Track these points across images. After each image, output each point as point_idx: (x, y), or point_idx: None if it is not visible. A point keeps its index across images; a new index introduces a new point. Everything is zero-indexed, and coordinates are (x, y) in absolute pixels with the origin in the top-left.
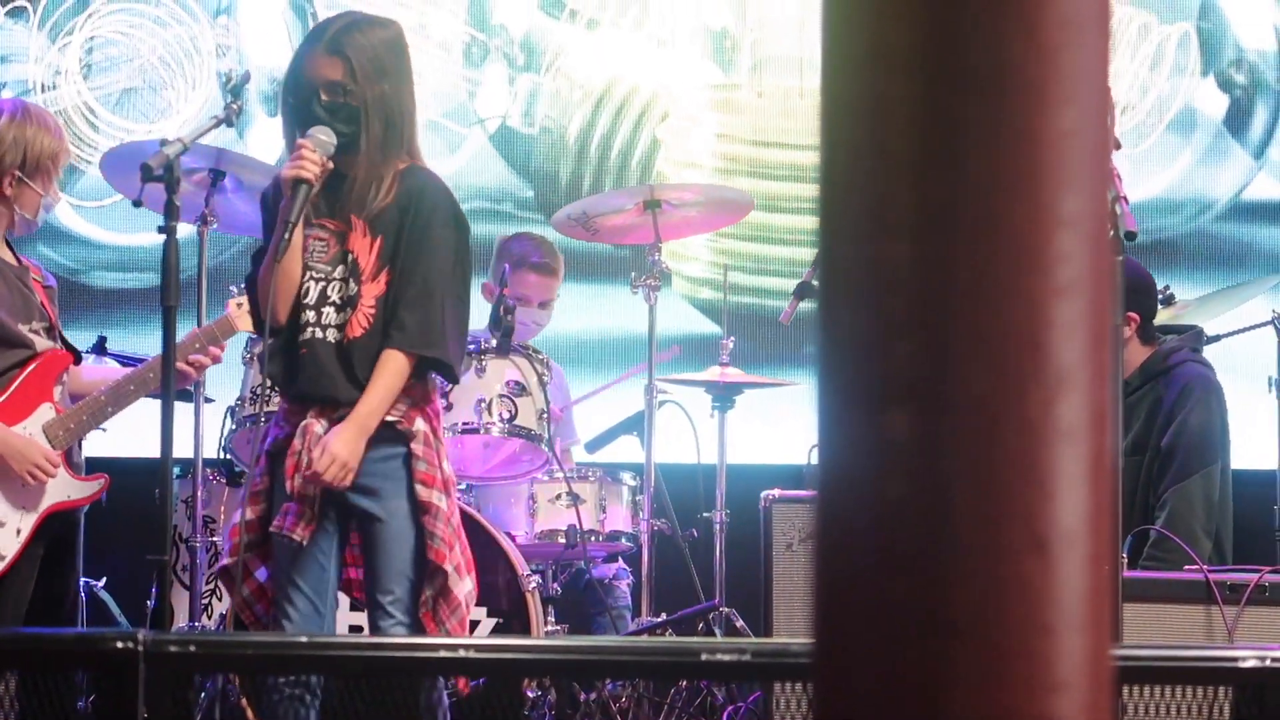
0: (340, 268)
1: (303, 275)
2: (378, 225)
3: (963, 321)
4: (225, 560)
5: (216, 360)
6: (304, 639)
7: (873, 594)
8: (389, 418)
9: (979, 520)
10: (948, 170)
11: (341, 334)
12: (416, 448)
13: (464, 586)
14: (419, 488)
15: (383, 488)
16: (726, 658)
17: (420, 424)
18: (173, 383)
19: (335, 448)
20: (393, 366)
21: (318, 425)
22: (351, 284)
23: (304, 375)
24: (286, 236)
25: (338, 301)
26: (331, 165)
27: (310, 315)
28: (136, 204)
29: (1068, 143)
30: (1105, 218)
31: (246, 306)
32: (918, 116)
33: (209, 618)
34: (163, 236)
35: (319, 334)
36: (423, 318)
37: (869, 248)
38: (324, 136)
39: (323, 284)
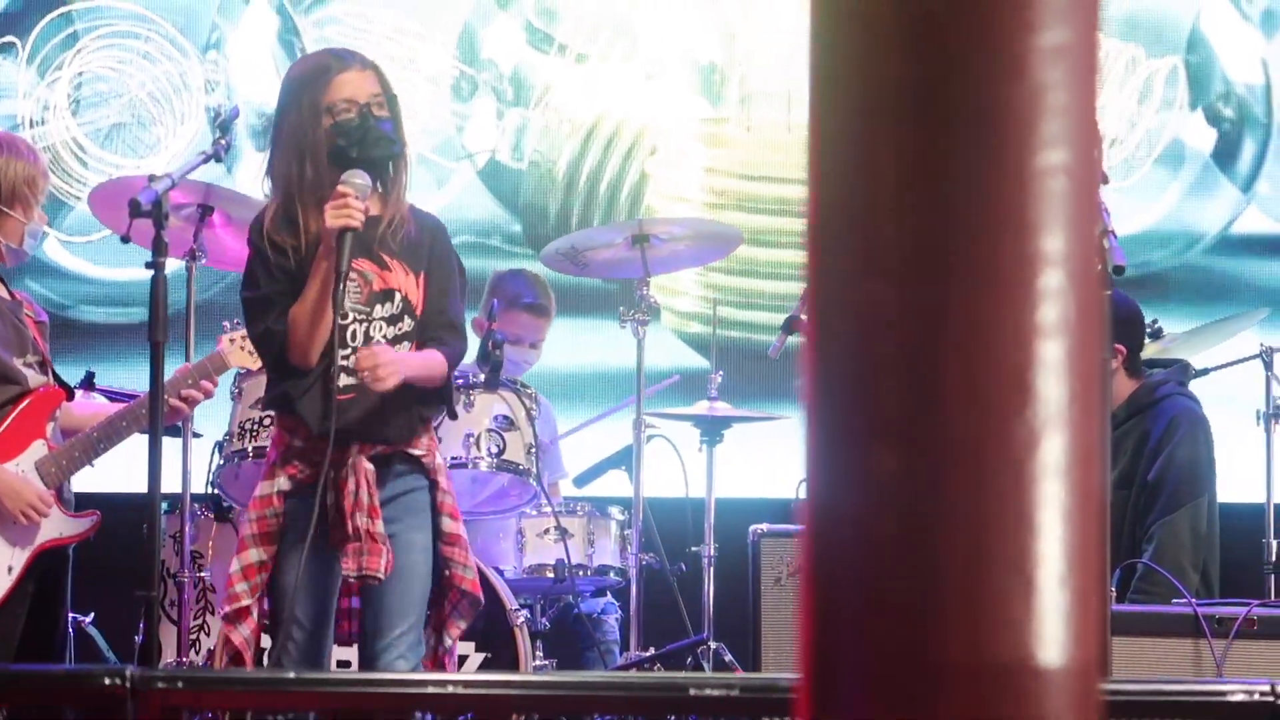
0: (382, 306)
1: (340, 318)
2: (414, 262)
3: (951, 361)
4: (242, 600)
5: (209, 395)
6: (291, 675)
7: (860, 633)
8: (414, 451)
9: (967, 559)
10: (935, 210)
11: None
12: (442, 480)
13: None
14: (446, 520)
15: (403, 518)
16: (715, 693)
17: (440, 459)
18: (160, 418)
19: (390, 357)
20: (438, 356)
21: (366, 463)
22: (406, 321)
23: (349, 415)
24: (342, 287)
25: (383, 342)
26: (370, 210)
27: (355, 359)
28: (124, 240)
29: (1056, 181)
30: (1093, 256)
31: (239, 342)
32: (905, 156)
33: (196, 653)
34: (151, 272)
35: (364, 376)
36: (455, 352)
37: (857, 287)
38: (361, 181)
39: (365, 324)
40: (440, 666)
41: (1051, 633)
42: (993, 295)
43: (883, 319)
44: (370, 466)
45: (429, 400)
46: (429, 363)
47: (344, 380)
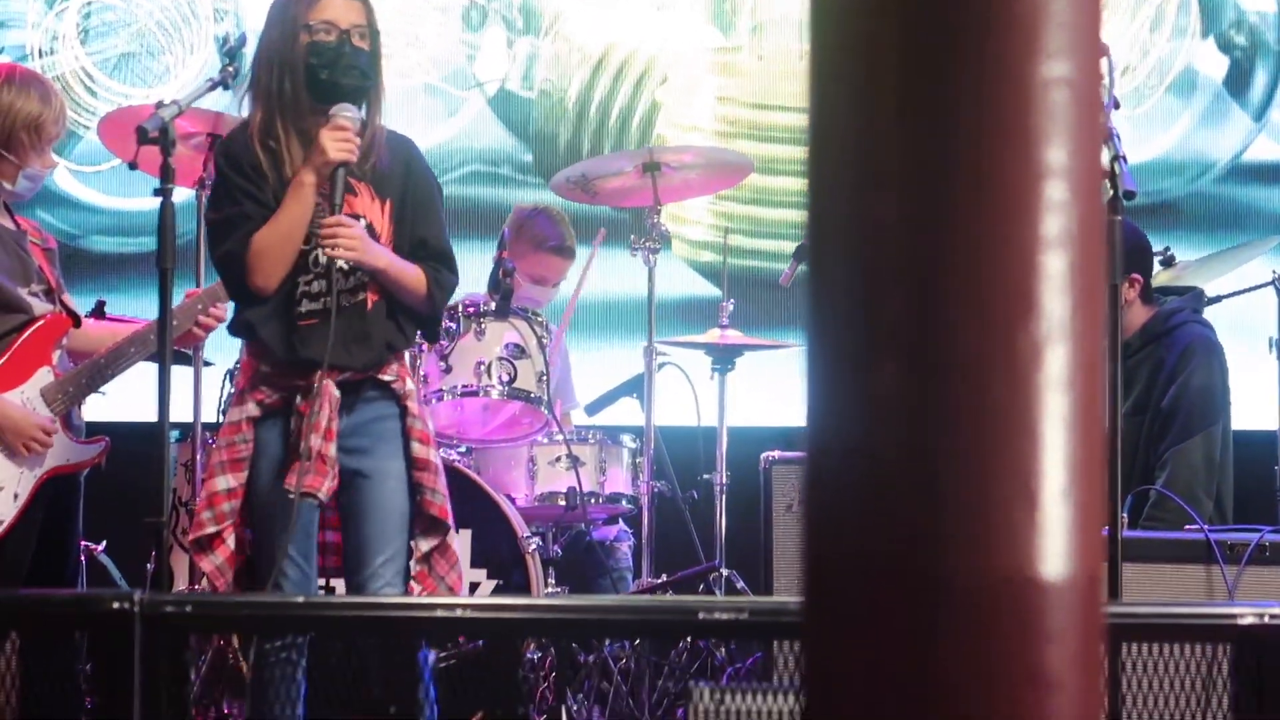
0: None
1: (304, 242)
2: (383, 189)
3: (952, 273)
4: (208, 528)
5: (221, 321)
6: (300, 599)
7: (861, 549)
8: (384, 377)
9: (968, 472)
10: (936, 120)
11: (359, 298)
12: (412, 406)
13: (457, 541)
14: (416, 445)
15: (376, 447)
16: (724, 616)
17: (410, 383)
18: (169, 345)
19: (359, 229)
20: (415, 269)
21: (332, 387)
22: None
23: (316, 343)
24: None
25: (345, 267)
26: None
27: (321, 284)
28: (132, 167)
29: (1059, 92)
30: (1097, 169)
31: None
32: (906, 63)
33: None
34: (159, 199)
35: (330, 301)
36: (441, 278)
37: (857, 201)
38: (352, 114)
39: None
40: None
41: (1054, 546)
42: (995, 207)
43: (883, 231)
44: (336, 393)
45: (396, 328)
46: (402, 267)
47: (306, 306)
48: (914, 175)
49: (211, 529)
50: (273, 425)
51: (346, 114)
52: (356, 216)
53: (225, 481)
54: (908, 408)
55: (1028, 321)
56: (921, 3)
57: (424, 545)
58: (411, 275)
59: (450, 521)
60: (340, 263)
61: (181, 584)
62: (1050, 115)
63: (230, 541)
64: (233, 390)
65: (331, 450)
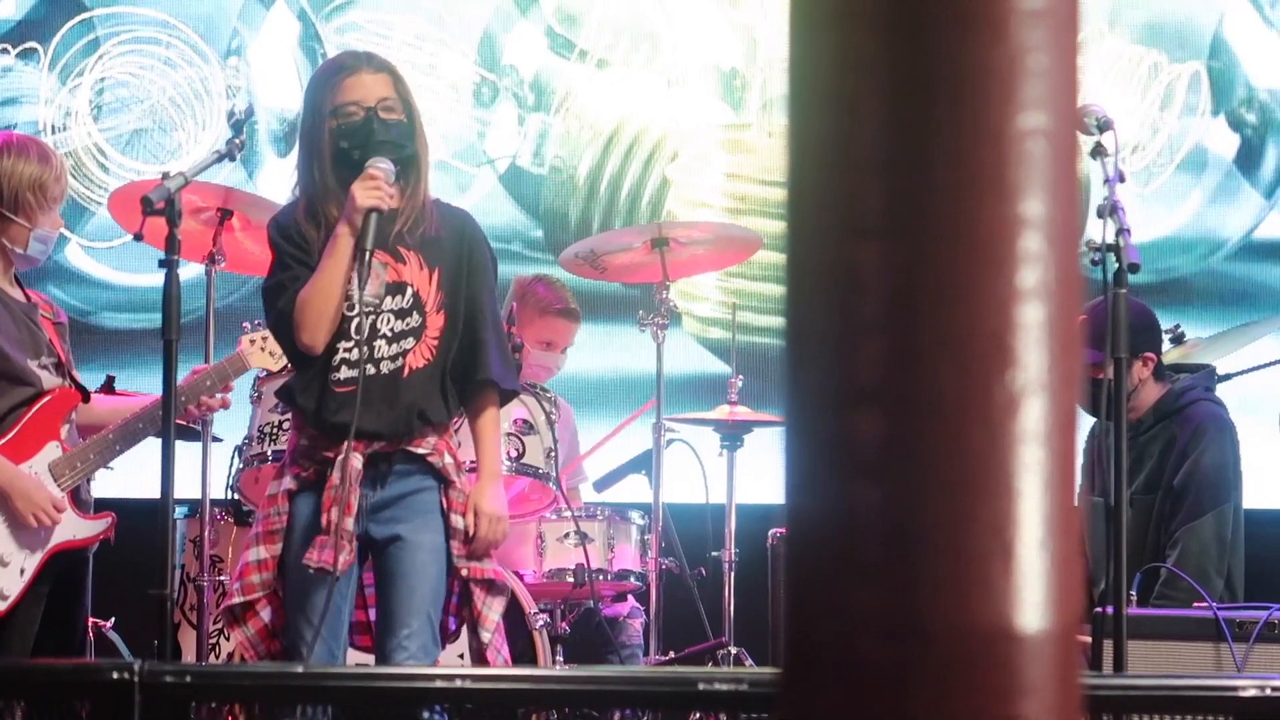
0: (392, 299)
1: (347, 309)
2: (432, 257)
3: (930, 323)
4: (234, 598)
5: (223, 407)
6: (299, 669)
7: (838, 600)
8: (419, 450)
9: (945, 524)
10: (915, 172)
11: (397, 365)
12: (455, 479)
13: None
14: (457, 518)
15: (410, 518)
16: (724, 687)
17: (449, 457)
18: (173, 417)
19: (492, 508)
20: (495, 405)
21: (356, 460)
22: (414, 316)
23: (346, 410)
24: (368, 262)
25: (389, 335)
26: (396, 196)
27: (358, 351)
28: (138, 238)
29: (1036, 144)
30: (1074, 220)
31: (260, 343)
32: (885, 117)
33: (216, 657)
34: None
35: (370, 369)
36: (504, 351)
37: (836, 249)
38: (386, 165)
39: (372, 317)
40: (484, 664)
41: (1030, 598)
42: (972, 258)
43: (862, 280)
44: (358, 465)
45: (438, 399)
46: (499, 430)
47: (344, 373)
48: (892, 226)
49: (239, 600)
50: (306, 499)
51: (379, 165)
52: (404, 285)
53: (258, 553)
54: (884, 455)
55: (1004, 373)
56: (900, 58)
57: (492, 616)
58: (497, 428)
59: (505, 579)
60: (384, 329)
61: (189, 659)
62: (1027, 167)
63: (265, 615)
64: (240, 462)
65: (349, 525)
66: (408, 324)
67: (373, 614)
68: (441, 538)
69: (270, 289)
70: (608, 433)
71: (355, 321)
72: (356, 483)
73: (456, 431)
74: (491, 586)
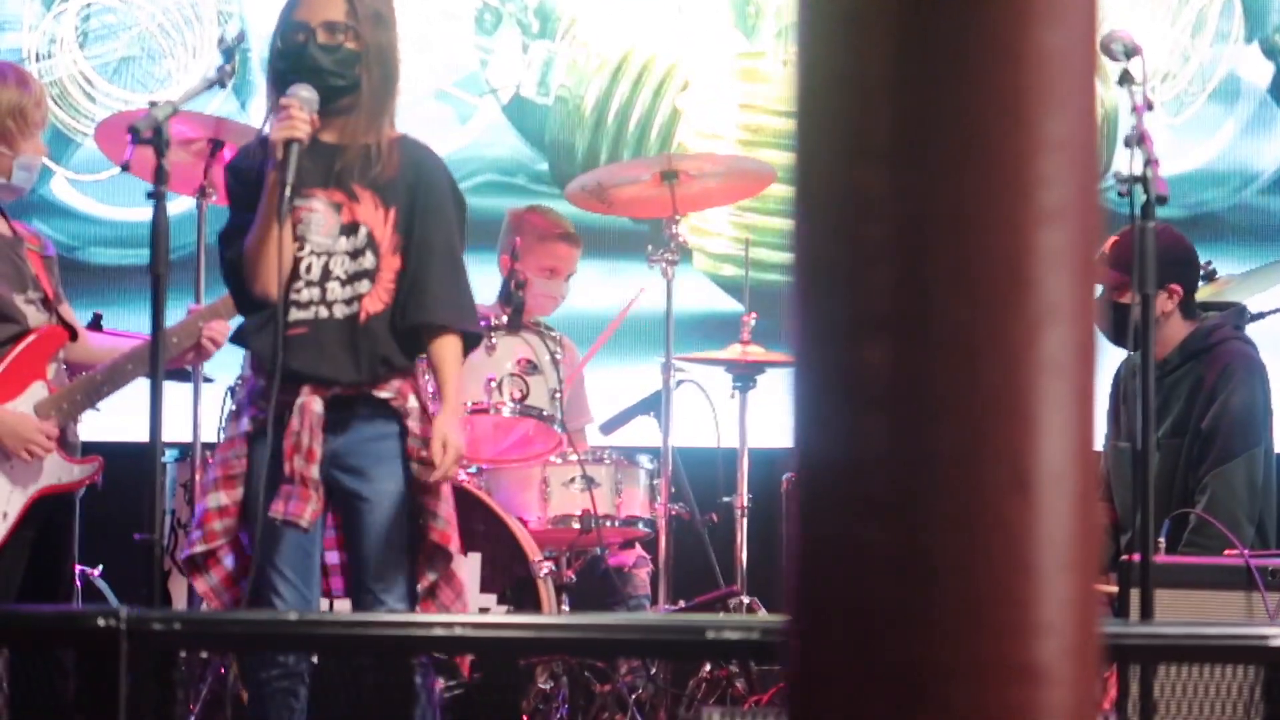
0: (345, 240)
1: (299, 249)
2: (388, 196)
3: (942, 249)
4: (196, 547)
5: (223, 338)
6: (292, 617)
7: (849, 539)
8: (382, 394)
9: (959, 458)
10: (926, 91)
11: (353, 309)
12: (413, 425)
13: (464, 567)
14: (416, 466)
15: (372, 469)
16: (735, 635)
17: (413, 400)
18: (162, 356)
19: (454, 439)
20: (453, 346)
21: (315, 404)
22: (368, 257)
23: (303, 355)
24: (288, 197)
25: (343, 276)
26: (318, 123)
27: (313, 293)
28: (124, 169)
29: (1052, 62)
30: (1093, 143)
31: None
32: (896, 36)
33: (207, 605)
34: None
35: (323, 312)
36: (457, 291)
37: (845, 174)
38: (306, 93)
39: (325, 259)
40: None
41: (1047, 533)
42: (985, 181)
43: (872, 206)
44: (318, 409)
45: (397, 345)
46: (459, 368)
47: (295, 315)
48: (903, 148)
49: (201, 548)
50: (264, 443)
51: (302, 93)
52: (357, 225)
53: (217, 499)
54: (896, 387)
55: (1020, 300)
56: None
57: (429, 575)
58: (461, 359)
59: (453, 548)
60: (338, 271)
61: (180, 607)
62: (1044, 87)
63: (227, 562)
64: (233, 406)
65: (314, 472)
66: (361, 265)
67: (331, 557)
68: (403, 485)
69: (224, 235)
70: (615, 374)
71: (306, 262)
72: (319, 428)
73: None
74: (435, 551)
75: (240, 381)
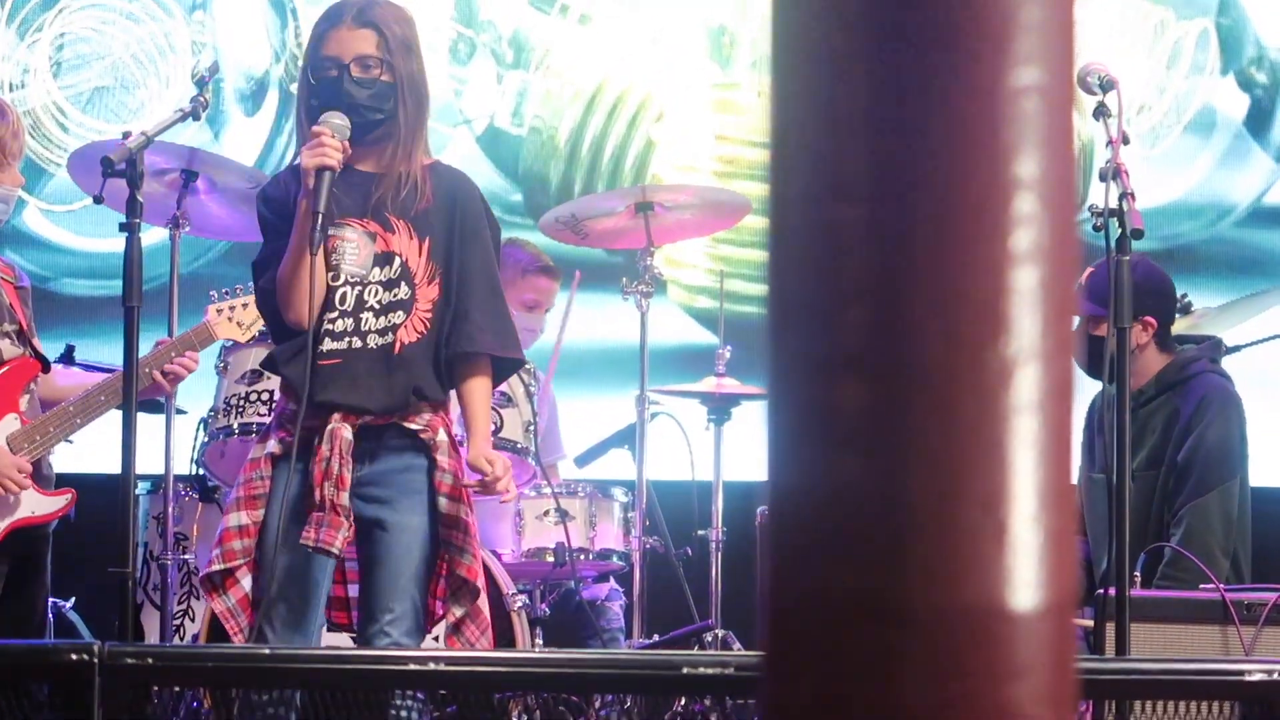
0: (380, 270)
1: (333, 278)
2: (423, 226)
3: (918, 288)
4: (215, 565)
5: (190, 370)
6: (265, 650)
7: (821, 579)
8: (412, 426)
9: (934, 498)
10: (902, 129)
11: (387, 340)
12: (441, 459)
13: (486, 605)
14: (443, 501)
15: (397, 500)
16: (710, 671)
17: (443, 434)
18: (135, 388)
19: (495, 455)
20: (485, 382)
21: (345, 430)
22: (403, 288)
23: (334, 385)
24: (320, 227)
25: (376, 306)
26: (350, 151)
27: (347, 323)
28: (97, 200)
29: (1029, 101)
30: (1071, 181)
31: (226, 313)
32: (871, 72)
33: (181, 638)
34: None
35: (357, 342)
36: (499, 319)
37: (820, 210)
38: (338, 121)
39: (359, 289)
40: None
41: (1023, 576)
42: (961, 220)
43: (847, 244)
44: (348, 436)
45: (432, 375)
46: (490, 397)
47: (328, 345)
48: (879, 186)
49: (219, 566)
50: (290, 467)
51: (333, 121)
52: (391, 255)
53: (238, 519)
54: (870, 426)
55: (996, 340)
56: (887, 11)
57: (456, 611)
58: (492, 387)
59: (481, 584)
60: (372, 301)
61: (153, 641)
62: (1020, 125)
63: (245, 583)
64: (205, 436)
65: (344, 499)
66: (395, 295)
67: (352, 589)
68: (427, 519)
69: (258, 264)
70: (588, 407)
71: (340, 292)
72: (348, 454)
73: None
74: (462, 586)
75: (212, 413)
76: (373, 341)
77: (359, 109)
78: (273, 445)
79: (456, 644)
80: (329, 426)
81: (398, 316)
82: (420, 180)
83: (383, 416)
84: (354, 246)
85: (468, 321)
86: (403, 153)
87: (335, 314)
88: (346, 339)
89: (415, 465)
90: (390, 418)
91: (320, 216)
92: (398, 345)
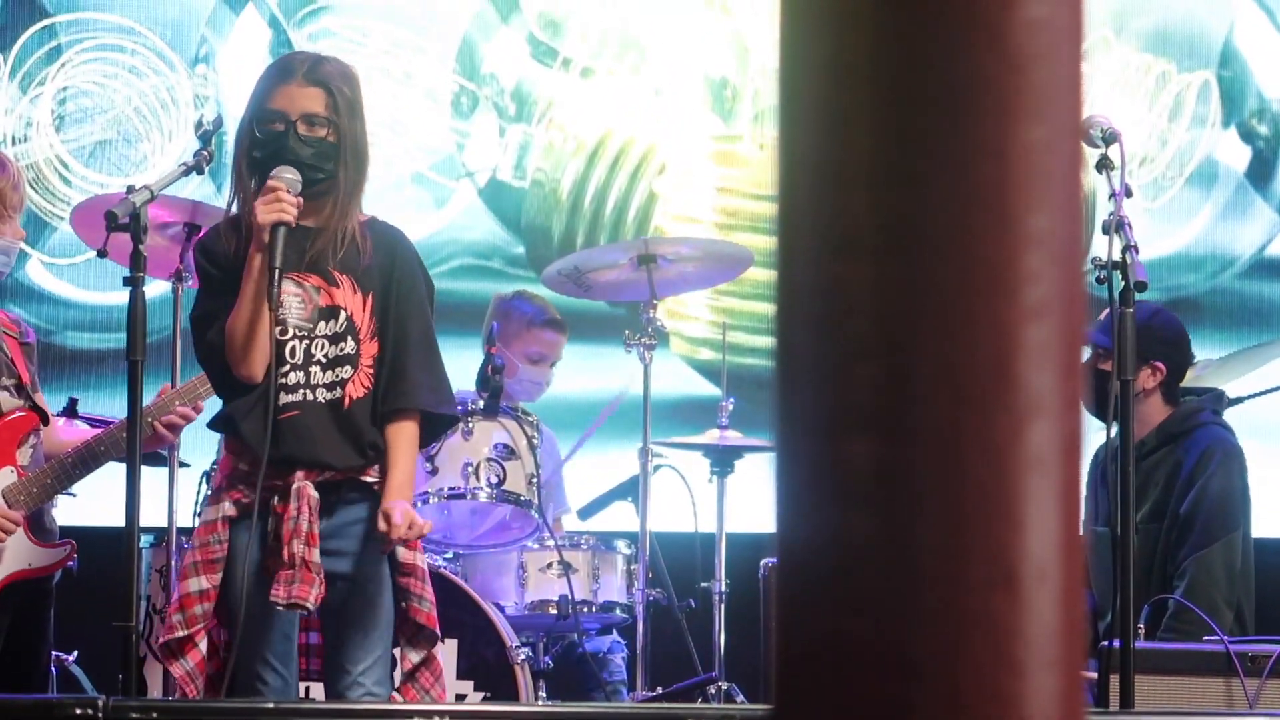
0: (325, 324)
1: (279, 332)
2: (365, 282)
3: (927, 345)
4: (178, 631)
5: (189, 420)
6: (270, 705)
7: (831, 635)
8: (366, 479)
9: (944, 554)
10: (911, 187)
11: (336, 395)
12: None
13: (441, 652)
14: (400, 550)
15: (358, 551)
16: None
17: None
18: (138, 440)
19: (409, 510)
20: (412, 430)
21: (310, 489)
22: (348, 343)
23: (291, 438)
24: (277, 282)
25: (324, 361)
26: (302, 205)
27: (298, 376)
28: (101, 254)
29: (1037, 158)
30: (1078, 237)
31: None
32: (879, 131)
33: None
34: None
35: (309, 395)
36: (435, 377)
37: (829, 268)
38: (290, 176)
39: (306, 342)
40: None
41: (1033, 632)
42: (969, 277)
43: (854, 300)
44: (314, 494)
45: (377, 431)
46: (414, 453)
47: (284, 398)
48: (886, 243)
49: (182, 632)
50: (248, 526)
51: (285, 175)
52: (337, 309)
53: (199, 583)
54: (880, 483)
55: (1005, 397)
56: (894, 68)
57: (413, 657)
58: (418, 445)
59: (437, 630)
60: (319, 355)
61: (156, 695)
62: (1029, 182)
63: (202, 646)
64: (209, 490)
65: (315, 556)
66: (342, 350)
67: (312, 637)
68: (387, 568)
69: (198, 320)
70: (592, 460)
71: (290, 345)
72: (315, 511)
73: (431, 460)
74: (418, 632)
75: (216, 466)
76: (322, 396)
77: (302, 166)
78: (228, 507)
79: (412, 691)
80: (295, 485)
81: (345, 371)
82: (360, 237)
83: (341, 472)
84: (299, 300)
85: (404, 379)
86: (341, 210)
87: (287, 367)
88: (300, 391)
89: (371, 517)
90: (348, 473)
91: (277, 272)
92: (347, 400)
